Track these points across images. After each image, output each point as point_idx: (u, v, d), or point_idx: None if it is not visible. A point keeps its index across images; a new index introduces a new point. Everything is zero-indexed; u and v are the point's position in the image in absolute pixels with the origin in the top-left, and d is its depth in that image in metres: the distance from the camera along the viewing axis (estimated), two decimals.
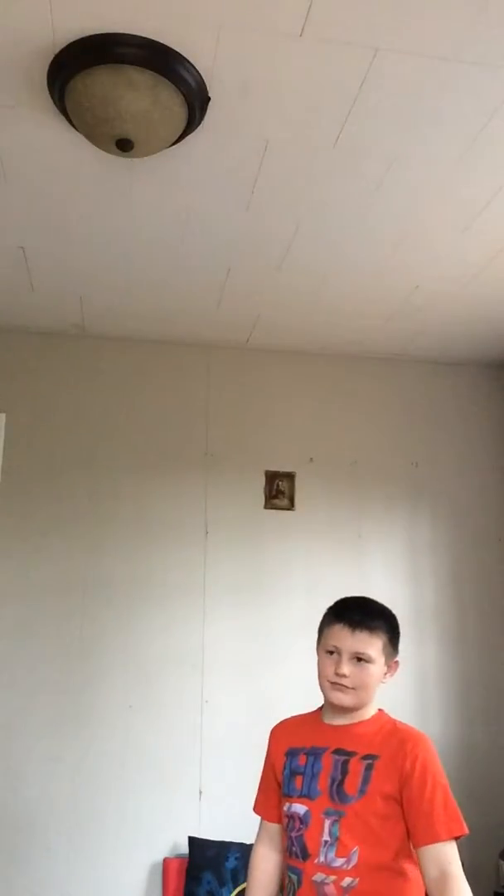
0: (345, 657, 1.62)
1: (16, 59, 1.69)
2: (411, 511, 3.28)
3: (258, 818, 1.74)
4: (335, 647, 1.64)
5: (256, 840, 1.73)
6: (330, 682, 1.63)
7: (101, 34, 1.61)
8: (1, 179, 2.14)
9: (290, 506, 3.17)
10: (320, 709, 1.74)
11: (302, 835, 1.55)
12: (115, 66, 1.64)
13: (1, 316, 3.04)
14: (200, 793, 2.85)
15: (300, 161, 2.05)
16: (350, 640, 1.63)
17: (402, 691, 2.99)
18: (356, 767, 1.57)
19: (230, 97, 1.81)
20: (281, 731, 1.75)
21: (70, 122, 1.82)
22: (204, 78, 1.73)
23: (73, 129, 1.88)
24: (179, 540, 3.06)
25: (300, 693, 2.97)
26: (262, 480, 3.18)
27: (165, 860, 2.70)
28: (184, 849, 2.75)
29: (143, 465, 3.11)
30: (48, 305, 2.94)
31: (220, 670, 2.97)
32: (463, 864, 1.45)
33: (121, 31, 1.61)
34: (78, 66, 1.66)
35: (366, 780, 1.54)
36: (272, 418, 3.26)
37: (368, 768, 1.55)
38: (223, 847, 2.63)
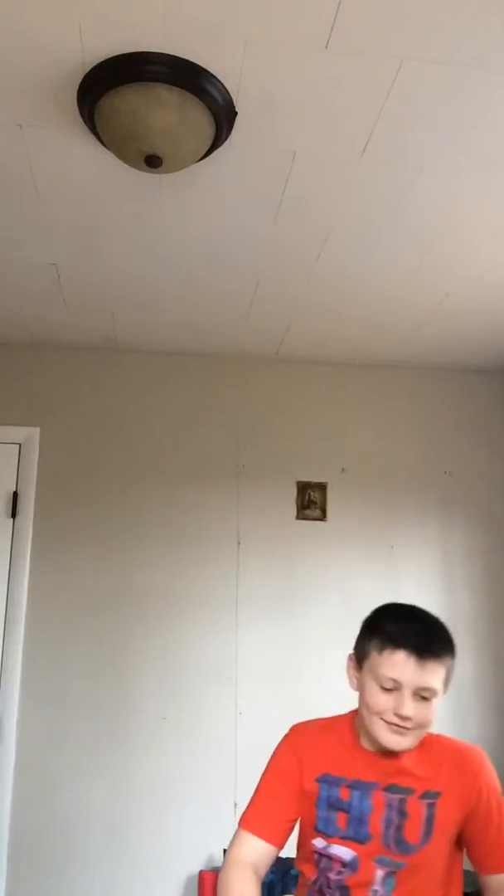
0: (407, 693, 1.33)
1: (47, 80, 1.73)
2: (444, 520, 3.24)
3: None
4: (395, 681, 1.34)
5: (237, 860, 1.44)
6: (385, 722, 1.35)
7: (130, 53, 1.64)
8: (34, 198, 2.18)
9: (322, 516, 3.16)
10: (351, 726, 1.47)
11: (343, 879, 1.37)
12: (143, 85, 1.66)
13: (35, 331, 3.09)
14: (235, 805, 2.84)
15: (328, 172, 2.05)
16: (417, 674, 1.33)
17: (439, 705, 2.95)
18: (416, 809, 1.36)
19: (257, 111, 1.82)
20: (308, 748, 1.48)
21: (100, 139, 1.86)
22: (231, 93, 1.75)
23: (102, 147, 1.91)
24: (212, 552, 3.07)
25: (335, 705, 2.96)
26: (294, 491, 3.18)
27: (201, 873, 2.69)
28: (219, 861, 2.74)
29: (175, 478, 3.13)
30: (81, 320, 2.99)
31: (254, 682, 2.96)
32: None
33: (148, 50, 1.63)
34: (107, 85, 1.69)
35: (429, 823, 1.35)
36: (303, 429, 3.26)
37: (431, 808, 1.36)
38: None
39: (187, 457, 3.16)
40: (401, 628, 1.38)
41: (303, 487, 3.19)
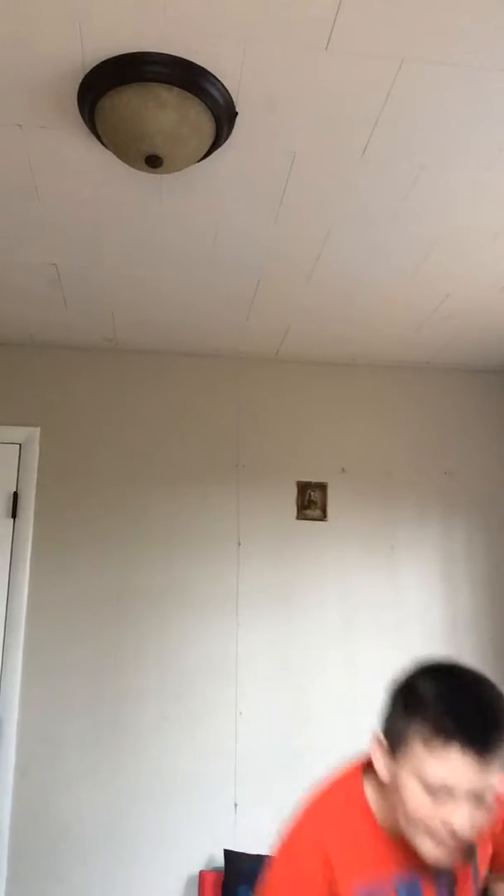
0: (462, 799, 1.00)
1: (47, 81, 1.73)
2: (445, 521, 3.24)
3: None
4: (447, 786, 1.00)
5: None
6: (431, 836, 1.02)
7: (130, 53, 1.64)
8: (34, 198, 2.18)
9: (323, 516, 3.16)
10: (365, 800, 1.15)
11: None
12: (143, 85, 1.66)
13: (35, 331, 3.09)
14: (236, 805, 2.84)
15: (328, 172, 2.05)
16: (477, 776, 0.99)
17: None
18: (464, 876, 1.14)
19: (257, 111, 1.82)
20: (335, 844, 1.10)
21: (100, 140, 1.86)
22: (231, 93, 1.75)
23: (103, 148, 1.91)
24: (212, 551, 3.07)
25: (334, 704, 2.97)
26: (294, 491, 3.18)
27: (201, 873, 2.69)
28: (220, 862, 2.74)
29: (175, 478, 3.13)
30: (81, 320, 2.99)
31: (254, 681, 2.96)
32: None
33: (149, 50, 1.63)
34: (107, 85, 1.69)
35: (475, 879, 1.17)
36: (303, 429, 3.26)
37: (475, 866, 1.17)
38: (259, 860, 2.61)
39: (187, 457, 3.16)
40: (454, 713, 1.02)
41: (303, 487, 3.19)
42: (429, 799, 1.01)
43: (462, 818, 0.99)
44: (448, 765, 0.99)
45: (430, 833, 1.01)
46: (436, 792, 1.00)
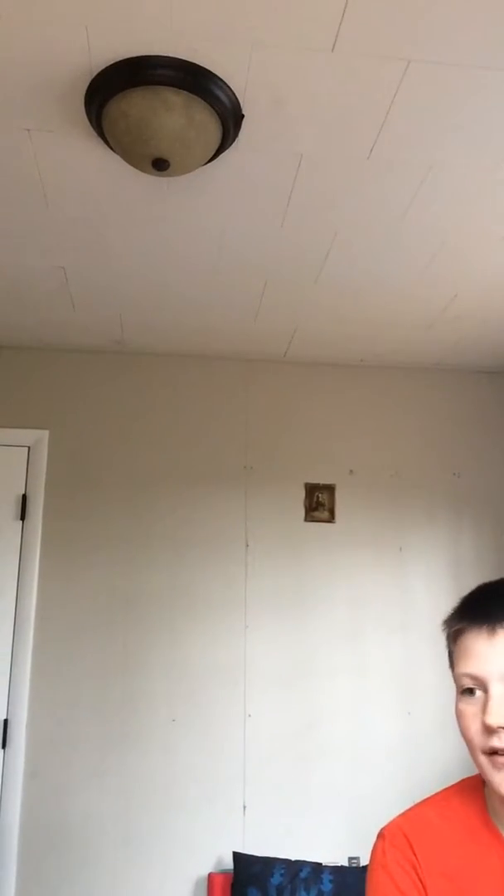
0: (493, 690, 0.90)
1: (54, 84, 1.74)
2: (454, 522, 3.23)
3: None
4: (474, 676, 0.92)
5: None
6: (486, 756, 0.90)
7: (137, 57, 1.64)
8: (41, 202, 2.19)
9: (331, 518, 3.16)
10: (479, 795, 1.01)
11: None
12: (150, 88, 1.67)
13: (44, 334, 3.10)
14: (244, 807, 2.84)
15: (335, 174, 2.05)
16: (493, 653, 0.91)
17: (444, 717, 2.95)
18: None
19: (264, 113, 1.82)
20: (426, 854, 0.97)
21: (107, 143, 1.86)
22: (237, 95, 1.76)
23: (110, 151, 1.91)
24: (220, 553, 3.07)
25: (343, 706, 2.96)
26: (302, 493, 3.18)
27: (210, 875, 2.69)
28: (228, 864, 2.74)
29: (183, 480, 3.13)
30: (89, 323, 3.00)
31: (263, 684, 2.96)
32: None
33: (155, 54, 1.64)
34: (114, 88, 1.70)
35: None
36: (311, 431, 3.26)
37: None
38: (268, 863, 2.61)
39: (195, 459, 3.16)
40: (462, 604, 1.00)
41: (311, 489, 3.19)
42: (468, 707, 0.92)
43: (495, 711, 0.88)
44: (465, 654, 0.93)
45: (485, 753, 0.90)
46: (470, 691, 0.92)
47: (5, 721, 2.83)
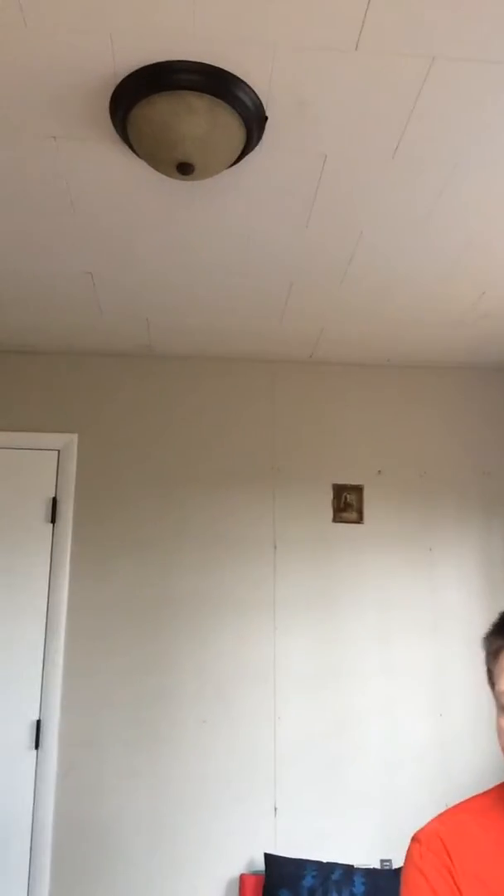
0: None
1: (80, 92, 1.76)
2: (484, 522, 3.20)
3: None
4: None
5: None
6: None
7: (160, 63, 1.65)
8: (69, 208, 2.21)
9: (359, 519, 3.15)
10: None
11: None
12: (173, 93, 1.68)
13: (71, 339, 3.14)
14: (276, 809, 2.84)
15: (359, 174, 2.05)
16: None
17: (476, 718, 2.91)
18: None
19: (287, 115, 1.82)
20: (463, 860, 0.97)
21: (132, 149, 1.88)
22: (261, 98, 1.76)
23: (135, 156, 1.93)
24: (249, 555, 3.07)
25: (373, 707, 2.95)
26: (330, 494, 3.17)
27: (242, 876, 2.70)
28: (260, 865, 2.74)
29: (211, 482, 3.14)
30: (116, 327, 3.02)
31: (292, 686, 2.96)
32: None
33: (178, 59, 1.65)
34: (138, 94, 1.71)
35: None
36: (339, 431, 3.25)
37: None
38: (300, 865, 2.61)
39: (223, 461, 3.17)
40: (498, 623, 1.00)
41: (339, 490, 3.18)
42: (501, 717, 0.95)
43: None
44: (500, 671, 0.96)
45: None
46: None
47: (38, 722, 2.87)
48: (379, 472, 3.21)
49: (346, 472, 3.19)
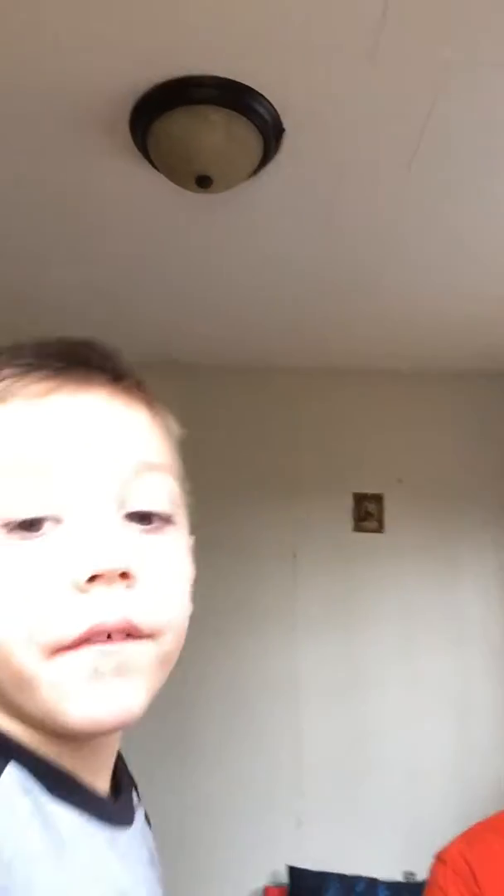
0: None
1: (100, 110, 1.78)
2: None
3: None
4: None
5: None
6: None
7: (178, 78, 1.67)
8: (90, 223, 2.24)
9: (380, 528, 3.13)
10: None
11: None
12: (191, 108, 1.70)
13: None
14: (299, 821, 2.82)
15: (378, 183, 2.05)
16: None
17: (501, 730, 2.88)
18: None
19: (304, 126, 1.83)
20: (490, 884, 0.94)
21: (151, 163, 1.90)
22: (278, 110, 1.77)
23: (155, 171, 1.95)
24: (268, 564, 3.07)
25: (397, 719, 2.92)
26: (350, 503, 3.16)
27: (266, 888, 2.68)
28: (283, 878, 2.72)
29: (230, 491, 3.14)
30: (138, 340, 3.02)
31: (315, 696, 2.94)
32: None
33: (195, 74, 1.67)
34: (157, 110, 1.73)
35: None
36: (358, 440, 3.24)
37: None
38: (323, 877, 2.59)
39: (242, 470, 3.17)
40: None
41: (359, 499, 3.16)
42: None
43: None
44: None
45: None
46: None
47: None
48: (399, 480, 3.20)
49: (365, 481, 3.18)
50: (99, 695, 0.45)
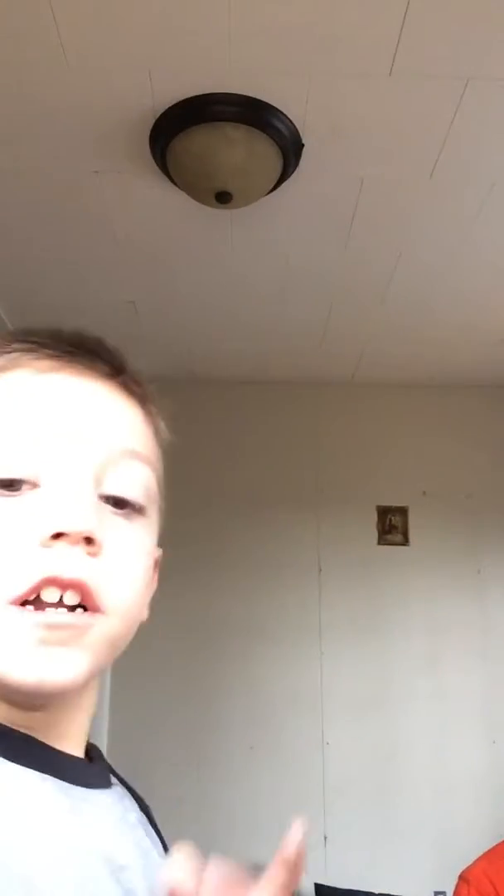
0: None
1: (120, 127, 1.81)
2: None
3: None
4: None
5: None
6: None
7: (197, 96, 1.69)
8: (112, 239, 2.27)
9: (405, 541, 3.11)
10: None
11: None
12: (211, 125, 1.72)
13: None
14: (325, 838, 2.79)
15: (397, 195, 2.05)
16: None
17: None
18: None
19: (323, 141, 1.85)
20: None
21: (172, 180, 1.92)
22: (297, 125, 1.78)
23: (175, 187, 1.97)
24: (293, 578, 3.06)
25: (424, 734, 2.88)
26: (375, 516, 3.14)
27: None
28: (309, 893, 2.69)
29: (255, 505, 3.14)
30: (159, 354, 3.07)
31: (340, 711, 2.92)
32: None
33: (215, 91, 1.69)
34: (177, 127, 1.75)
35: None
36: (382, 452, 3.22)
37: None
38: (350, 895, 2.55)
39: (266, 484, 3.17)
40: None
41: (383, 512, 3.14)
42: None
43: None
44: None
45: None
46: None
47: None
48: (424, 493, 3.17)
49: (390, 494, 3.16)
50: (44, 659, 0.46)
